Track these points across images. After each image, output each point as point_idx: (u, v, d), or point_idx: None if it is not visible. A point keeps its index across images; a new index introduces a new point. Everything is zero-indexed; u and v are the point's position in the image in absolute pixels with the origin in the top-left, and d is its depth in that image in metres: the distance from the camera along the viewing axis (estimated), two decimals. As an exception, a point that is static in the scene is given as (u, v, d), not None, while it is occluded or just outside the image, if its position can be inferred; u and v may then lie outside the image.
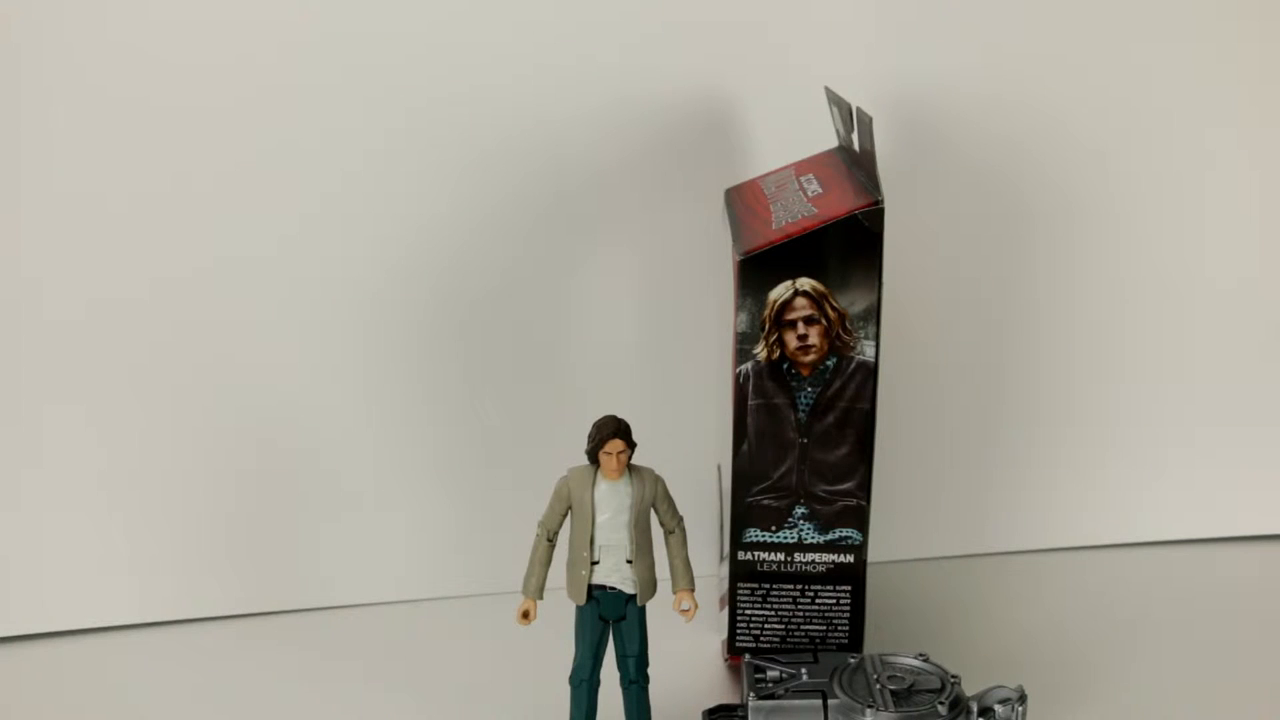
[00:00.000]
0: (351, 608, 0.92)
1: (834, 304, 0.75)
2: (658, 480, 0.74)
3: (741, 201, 0.82)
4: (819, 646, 0.80)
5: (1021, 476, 0.98)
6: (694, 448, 0.91)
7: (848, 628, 0.80)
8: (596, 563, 0.73)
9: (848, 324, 0.75)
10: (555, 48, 0.88)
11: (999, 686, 0.73)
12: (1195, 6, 0.92)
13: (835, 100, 0.83)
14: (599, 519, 0.73)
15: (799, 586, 0.80)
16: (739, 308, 0.75)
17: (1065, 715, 0.80)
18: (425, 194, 0.88)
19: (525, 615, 0.74)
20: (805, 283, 0.75)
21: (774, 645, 0.80)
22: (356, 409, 0.91)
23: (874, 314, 0.75)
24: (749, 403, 0.77)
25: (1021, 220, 0.94)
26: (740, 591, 0.80)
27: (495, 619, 0.89)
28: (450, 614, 0.92)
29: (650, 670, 0.75)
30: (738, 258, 0.75)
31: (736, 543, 0.79)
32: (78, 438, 0.88)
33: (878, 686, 0.72)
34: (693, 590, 0.74)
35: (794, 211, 0.77)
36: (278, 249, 0.88)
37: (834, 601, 0.80)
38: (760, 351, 0.76)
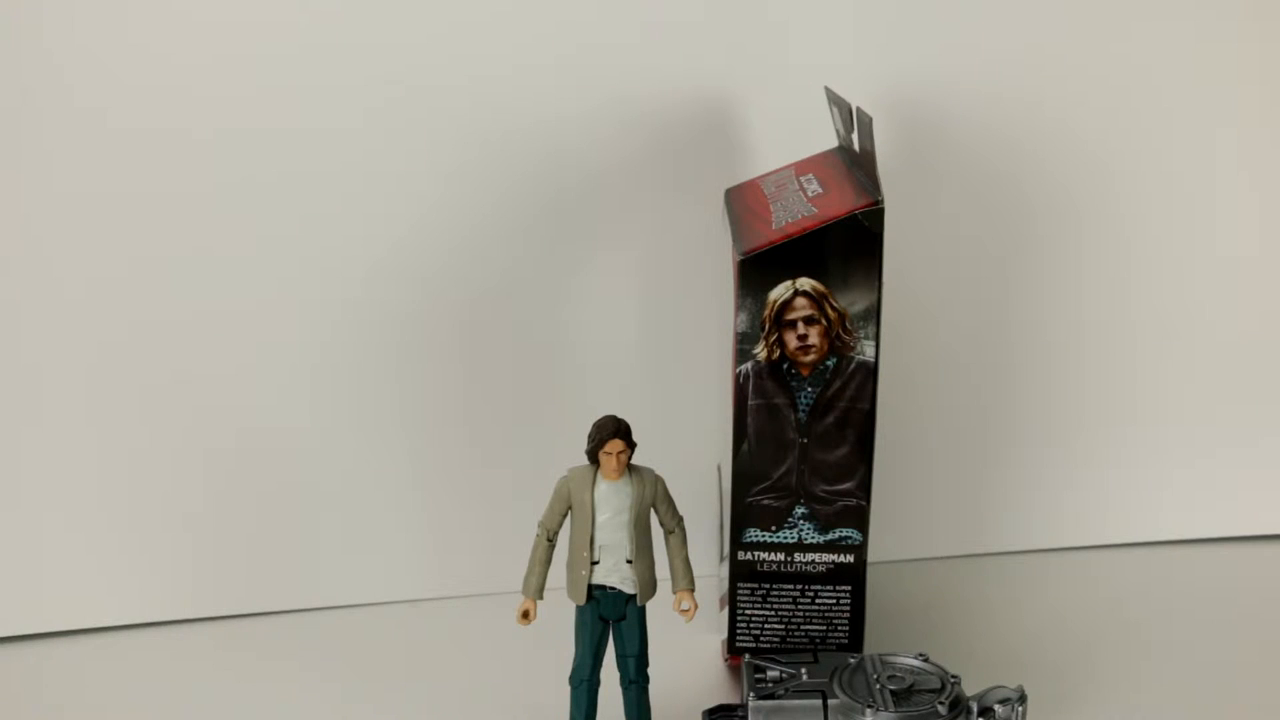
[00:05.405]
0: (351, 608, 0.92)
1: (834, 304, 0.75)
2: (658, 480, 0.73)
3: (741, 201, 0.82)
4: (819, 646, 0.80)
5: (1022, 476, 0.98)
6: (694, 448, 0.91)
7: (848, 628, 0.80)
8: (596, 563, 0.73)
9: (848, 324, 0.75)
10: (554, 48, 0.88)
11: (999, 686, 0.73)
12: (1195, 6, 0.92)
13: (835, 100, 0.83)
14: (599, 519, 0.73)
15: (799, 586, 0.79)
16: (739, 308, 0.75)
17: (1065, 716, 0.80)
18: (425, 194, 0.88)
19: (525, 615, 0.74)
20: (805, 283, 0.75)
21: (774, 645, 0.80)
22: (357, 409, 0.90)
23: (874, 314, 0.75)
24: (749, 403, 0.77)
25: (1022, 219, 0.94)
26: (740, 591, 0.80)
27: (495, 619, 0.88)
28: (450, 614, 0.92)
29: (650, 670, 0.75)
30: (738, 258, 0.75)
31: (736, 543, 0.79)
32: (76, 438, 0.88)
33: (878, 686, 0.72)
34: (693, 590, 0.74)
35: (794, 211, 0.77)
36: (276, 247, 0.87)
37: (834, 601, 0.80)
38: (760, 351, 0.76)
